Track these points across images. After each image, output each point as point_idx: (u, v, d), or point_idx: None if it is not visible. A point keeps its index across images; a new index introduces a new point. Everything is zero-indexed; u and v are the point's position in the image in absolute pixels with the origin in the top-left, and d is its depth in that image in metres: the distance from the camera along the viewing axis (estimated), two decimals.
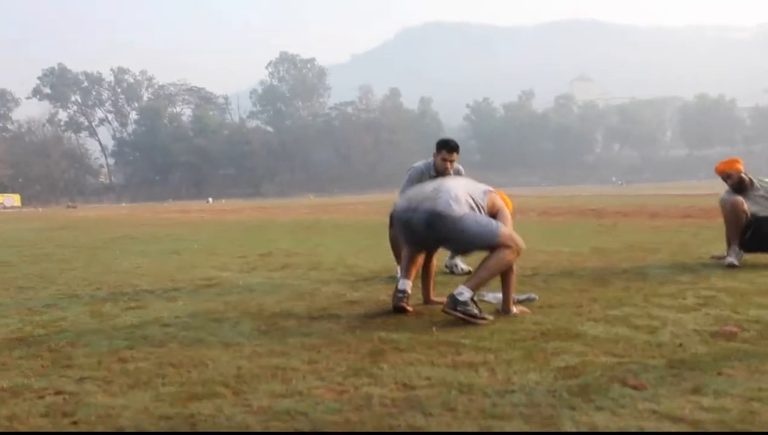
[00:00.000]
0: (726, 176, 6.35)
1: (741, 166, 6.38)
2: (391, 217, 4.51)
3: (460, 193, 4.12)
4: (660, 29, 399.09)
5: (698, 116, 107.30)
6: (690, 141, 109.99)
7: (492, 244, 4.04)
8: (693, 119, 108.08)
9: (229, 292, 5.46)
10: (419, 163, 5.98)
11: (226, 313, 4.50)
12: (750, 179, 6.33)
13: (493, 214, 4.24)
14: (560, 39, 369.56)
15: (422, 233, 4.15)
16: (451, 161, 5.73)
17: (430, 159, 5.87)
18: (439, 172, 5.71)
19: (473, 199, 4.15)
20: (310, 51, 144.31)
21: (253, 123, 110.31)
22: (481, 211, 4.16)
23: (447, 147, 5.75)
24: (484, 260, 4.08)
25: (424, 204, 4.08)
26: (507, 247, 4.04)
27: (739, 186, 6.29)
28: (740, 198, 6.23)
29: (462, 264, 6.25)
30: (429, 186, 4.29)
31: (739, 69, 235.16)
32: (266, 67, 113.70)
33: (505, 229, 4.13)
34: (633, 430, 2.19)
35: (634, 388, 2.62)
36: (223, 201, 63.89)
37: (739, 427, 2.20)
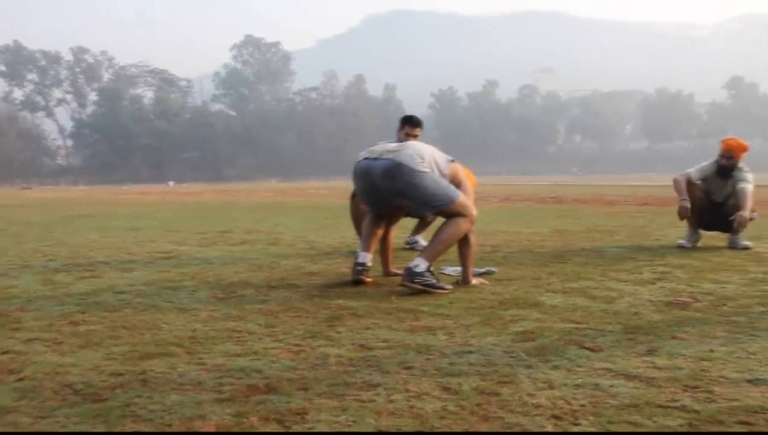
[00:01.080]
0: (728, 156, 6.29)
1: (743, 156, 6.38)
2: (354, 172, 4.42)
3: (425, 153, 4.09)
4: (622, 24, 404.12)
5: (658, 110, 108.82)
6: (649, 134, 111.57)
7: (447, 208, 4.03)
8: (653, 113, 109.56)
9: (186, 264, 5.38)
10: (384, 142, 5.98)
11: (182, 282, 4.44)
12: (735, 168, 6.33)
13: (455, 184, 4.22)
14: (524, 30, 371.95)
15: (380, 184, 4.11)
16: (415, 136, 5.72)
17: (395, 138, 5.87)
18: None
19: (437, 163, 4.13)
20: (276, 35, 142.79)
21: (216, 106, 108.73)
22: (444, 177, 4.13)
23: (410, 122, 5.72)
24: (438, 231, 4.07)
25: (385, 154, 4.06)
26: (461, 215, 4.04)
27: (728, 171, 6.30)
28: (692, 180, 6.29)
29: (423, 241, 6.25)
30: (393, 143, 4.25)
31: (697, 65, 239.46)
32: (230, 50, 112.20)
33: (464, 196, 4.12)
34: (589, 386, 2.20)
35: (591, 350, 2.64)
36: (185, 184, 63.08)
37: (690, 383, 2.23)
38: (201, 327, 3.12)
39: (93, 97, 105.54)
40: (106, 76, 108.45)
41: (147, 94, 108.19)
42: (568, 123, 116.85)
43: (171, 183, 65.18)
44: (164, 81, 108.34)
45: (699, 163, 6.53)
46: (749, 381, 2.26)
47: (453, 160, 4.32)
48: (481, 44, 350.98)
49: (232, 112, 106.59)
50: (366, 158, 4.16)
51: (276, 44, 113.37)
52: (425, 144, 4.30)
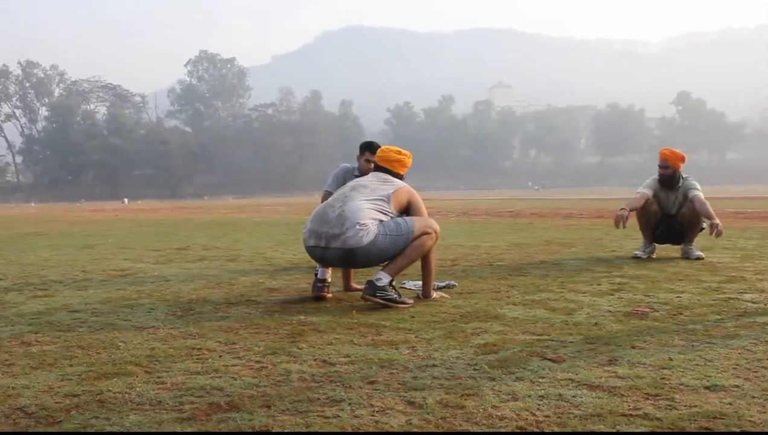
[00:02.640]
0: (665, 165, 6.48)
1: (682, 163, 6.53)
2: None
3: (365, 211, 3.99)
4: (574, 41, 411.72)
5: (610, 125, 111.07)
6: (602, 148, 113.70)
7: (411, 242, 4.03)
8: (605, 128, 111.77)
9: (143, 282, 5.29)
10: (347, 164, 5.96)
11: (139, 300, 4.35)
12: (679, 178, 6.49)
13: (404, 209, 4.18)
14: (479, 46, 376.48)
15: (341, 265, 4.21)
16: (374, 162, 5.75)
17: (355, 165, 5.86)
18: (363, 172, 5.71)
19: (379, 209, 4.05)
20: (231, 51, 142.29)
21: (171, 123, 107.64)
22: (389, 215, 4.07)
23: (370, 148, 5.73)
24: (403, 248, 4.07)
25: (332, 242, 3.97)
26: (424, 234, 4.05)
27: (669, 180, 6.46)
28: (650, 197, 6.43)
29: None
30: (333, 210, 4.06)
31: (647, 81, 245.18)
32: (185, 66, 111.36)
33: (419, 220, 4.10)
34: (553, 397, 2.21)
35: (553, 361, 2.65)
36: (139, 202, 62.12)
37: (652, 391, 2.25)
38: (160, 345, 3.05)
39: (44, 112, 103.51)
40: (57, 91, 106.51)
41: (100, 110, 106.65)
42: (523, 138, 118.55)
43: (125, 200, 64.11)
44: (118, 96, 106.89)
45: (645, 180, 6.67)
46: (707, 387, 2.30)
47: (395, 191, 4.17)
48: (436, 61, 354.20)
49: (188, 129, 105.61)
50: (315, 246, 4.07)
51: (231, 60, 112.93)
52: (366, 185, 4.20)
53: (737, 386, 2.31)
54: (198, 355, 2.87)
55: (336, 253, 3.98)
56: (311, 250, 4.13)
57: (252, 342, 3.10)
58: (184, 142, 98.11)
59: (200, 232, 12.38)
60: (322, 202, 5.83)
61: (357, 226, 3.92)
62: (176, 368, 2.65)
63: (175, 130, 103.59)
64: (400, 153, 4.48)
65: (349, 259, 4.00)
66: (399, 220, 4.08)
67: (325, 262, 4.21)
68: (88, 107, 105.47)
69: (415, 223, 4.07)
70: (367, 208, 4.01)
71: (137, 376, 2.54)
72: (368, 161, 5.74)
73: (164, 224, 16.13)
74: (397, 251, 4.01)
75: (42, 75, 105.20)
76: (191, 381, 2.47)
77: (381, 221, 4.00)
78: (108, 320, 3.67)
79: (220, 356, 2.84)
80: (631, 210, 6.31)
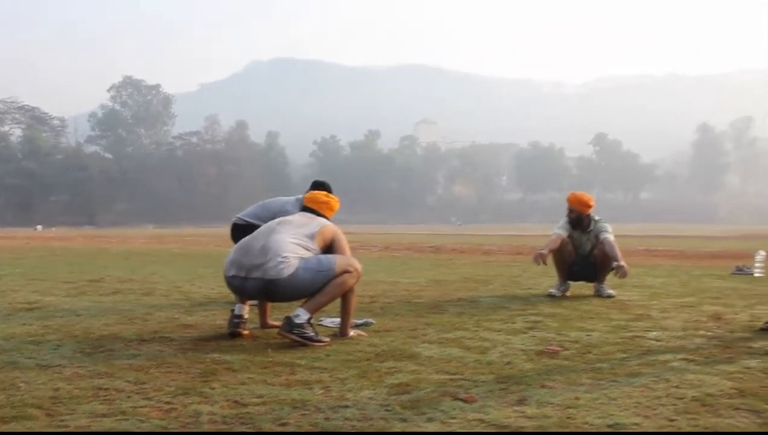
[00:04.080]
0: (570, 209, 6.74)
1: (588, 209, 6.76)
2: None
3: (289, 244, 4.00)
4: (499, 79, 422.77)
5: (531, 163, 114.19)
6: (524, 185, 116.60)
7: (332, 279, 4.03)
8: (527, 165, 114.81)
9: (51, 316, 5.09)
10: (291, 200, 5.90)
11: (46, 336, 4.19)
12: (590, 221, 6.73)
13: (327, 247, 4.20)
14: (406, 82, 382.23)
15: (259, 296, 4.21)
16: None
17: (300, 196, 5.83)
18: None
19: (303, 245, 4.05)
20: (156, 77, 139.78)
21: (91, 148, 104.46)
22: (312, 251, 4.08)
23: (323, 188, 5.70)
24: (324, 285, 4.06)
25: (253, 272, 3.95)
26: (346, 272, 4.06)
27: (575, 222, 6.71)
28: (566, 238, 6.65)
29: None
30: (258, 241, 4.07)
31: (567, 121, 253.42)
32: (108, 91, 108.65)
33: (341, 258, 4.12)
34: None
35: (464, 401, 2.69)
36: (54, 229, 59.88)
37: (558, 431, 2.32)
38: (64, 385, 2.94)
39: None
40: None
41: (15, 132, 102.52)
42: (447, 173, 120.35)
43: (39, 227, 61.65)
44: (35, 119, 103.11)
45: (560, 221, 6.91)
46: (609, 426, 2.38)
47: (321, 229, 4.20)
48: (363, 95, 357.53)
49: (108, 155, 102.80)
50: (235, 276, 4.05)
51: (156, 87, 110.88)
52: (291, 223, 4.21)
53: (637, 424, 2.40)
54: (105, 395, 2.78)
55: (255, 283, 3.95)
56: (230, 280, 4.09)
57: (163, 382, 3.03)
58: (104, 169, 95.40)
59: (116, 263, 12.04)
60: (232, 229, 5.85)
61: (279, 259, 3.91)
62: (81, 410, 2.56)
63: (94, 156, 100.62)
64: (328, 196, 4.57)
65: (268, 290, 3.97)
66: (321, 256, 4.09)
67: (243, 293, 4.16)
68: (2, 129, 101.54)
69: (337, 260, 4.08)
70: (291, 243, 4.02)
71: (37, 420, 2.45)
72: None
73: (78, 254, 15.62)
74: (316, 288, 4.00)
75: None
76: (96, 424, 2.39)
77: (303, 257, 3.99)
78: (10, 358, 3.52)
79: (129, 397, 2.76)
80: (550, 251, 6.53)
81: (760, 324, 4.66)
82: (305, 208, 4.49)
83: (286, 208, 5.58)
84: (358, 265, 4.15)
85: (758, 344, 4.02)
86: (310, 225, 4.21)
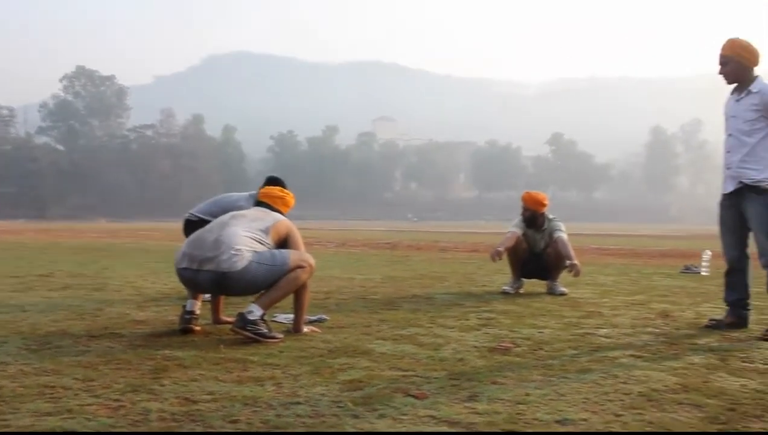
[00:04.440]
0: (524, 207, 6.82)
1: (542, 208, 6.85)
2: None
3: (242, 238, 3.97)
4: (458, 78, 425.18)
5: (488, 161, 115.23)
6: (480, 184, 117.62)
7: (285, 274, 4.01)
8: (483, 164, 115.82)
9: None
10: (244, 196, 5.85)
11: None
12: (544, 220, 6.82)
13: (282, 242, 4.19)
14: (365, 78, 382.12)
15: (212, 289, 4.17)
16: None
17: (254, 192, 5.79)
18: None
19: (257, 239, 4.03)
20: (111, 68, 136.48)
21: (41, 139, 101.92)
22: (266, 245, 4.06)
23: (277, 183, 5.68)
24: (277, 280, 4.04)
25: (205, 265, 3.91)
26: (299, 268, 4.05)
27: (530, 221, 6.79)
28: (520, 236, 6.73)
29: None
30: (211, 234, 4.04)
31: (524, 121, 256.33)
32: (60, 81, 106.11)
33: (294, 253, 4.10)
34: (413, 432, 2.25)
35: (416, 397, 2.70)
36: (2, 222, 58.34)
37: (507, 427, 2.34)
38: (8, 383, 2.87)
39: None
40: None
41: None
42: (404, 170, 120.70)
43: None
44: None
45: (515, 219, 6.99)
46: (558, 422, 2.42)
47: (275, 224, 4.20)
48: (321, 90, 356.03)
49: (60, 146, 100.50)
50: (187, 268, 4.00)
51: (111, 78, 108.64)
52: (245, 216, 4.19)
53: (585, 420, 2.44)
54: (51, 393, 2.72)
55: (208, 275, 3.91)
56: (182, 273, 4.05)
57: (112, 379, 2.98)
58: (56, 161, 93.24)
59: (67, 257, 11.79)
60: (184, 225, 5.78)
61: (232, 251, 3.88)
62: (24, 409, 2.50)
63: (45, 147, 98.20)
64: (283, 191, 4.58)
65: (221, 283, 3.94)
66: (275, 251, 4.07)
67: (195, 286, 4.11)
68: None
69: (291, 255, 4.07)
70: (245, 236, 3.99)
71: None
72: None
73: (28, 248, 15.26)
74: (269, 282, 3.98)
75: None
76: (40, 423, 2.34)
77: (257, 251, 3.97)
78: None
79: (76, 395, 2.70)
80: (506, 248, 6.61)
81: (704, 321, 4.79)
82: (259, 203, 4.48)
83: (238, 203, 5.53)
84: (311, 261, 4.14)
85: (702, 341, 4.13)
86: (265, 219, 4.20)
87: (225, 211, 4.80)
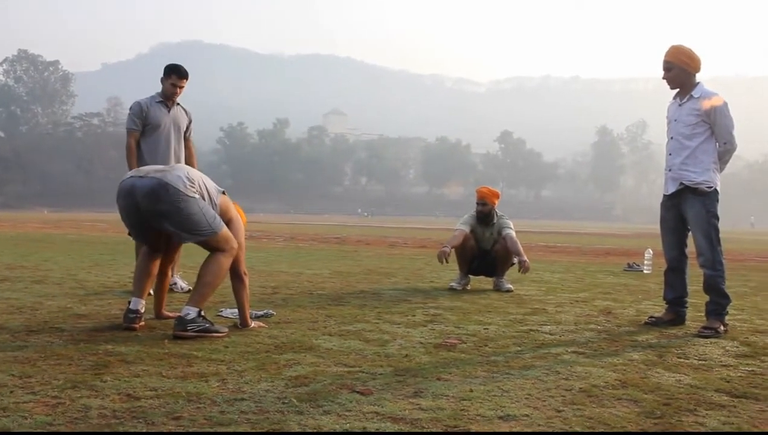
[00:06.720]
0: (483, 202, 6.86)
1: (497, 200, 6.93)
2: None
3: (195, 177, 3.92)
4: (410, 74, 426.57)
5: (438, 157, 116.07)
6: (430, 179, 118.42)
7: (209, 240, 3.90)
8: (433, 160, 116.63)
9: None
10: (142, 99, 5.86)
11: None
12: (494, 216, 6.89)
13: (226, 218, 4.08)
14: (317, 72, 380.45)
15: (143, 204, 3.81)
16: (181, 87, 5.75)
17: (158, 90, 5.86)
18: (167, 97, 5.77)
19: (207, 191, 3.97)
20: (55, 53, 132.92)
21: None
22: (214, 206, 3.99)
23: (177, 72, 5.77)
24: (201, 272, 3.94)
25: (152, 173, 3.83)
26: (221, 250, 3.95)
27: (485, 217, 6.84)
28: (468, 233, 6.79)
29: (181, 282, 5.98)
30: (167, 161, 4.06)
31: (474, 119, 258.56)
32: (1, 64, 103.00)
33: (227, 231, 3.99)
34: (357, 430, 2.25)
35: (361, 393, 2.70)
36: None
37: (451, 423, 2.36)
38: None
39: None
40: None
41: None
42: (354, 165, 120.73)
43: None
44: None
45: (463, 216, 7.06)
46: (501, 417, 2.45)
47: (224, 192, 4.19)
48: (273, 83, 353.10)
49: (0, 133, 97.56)
50: (132, 176, 3.93)
51: (55, 63, 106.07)
52: (198, 170, 4.17)
53: (527, 415, 2.48)
54: None
55: (148, 182, 3.77)
56: (123, 183, 3.90)
57: (51, 375, 2.90)
58: None
59: (5, 248, 11.47)
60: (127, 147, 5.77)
61: (185, 178, 3.82)
62: None
63: None
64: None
65: (158, 192, 3.73)
66: (216, 214, 3.98)
67: (130, 199, 3.86)
68: None
69: (224, 229, 3.96)
70: (200, 179, 3.97)
71: None
72: (174, 85, 5.70)
73: None
74: (191, 232, 3.83)
75: None
76: None
77: (204, 199, 3.90)
78: None
79: (12, 392, 2.62)
80: (453, 247, 6.66)
81: (644, 318, 4.92)
82: None
83: (148, 104, 5.81)
84: (236, 245, 4.03)
85: (642, 337, 4.24)
86: (215, 185, 4.15)
87: (151, 113, 4.83)
